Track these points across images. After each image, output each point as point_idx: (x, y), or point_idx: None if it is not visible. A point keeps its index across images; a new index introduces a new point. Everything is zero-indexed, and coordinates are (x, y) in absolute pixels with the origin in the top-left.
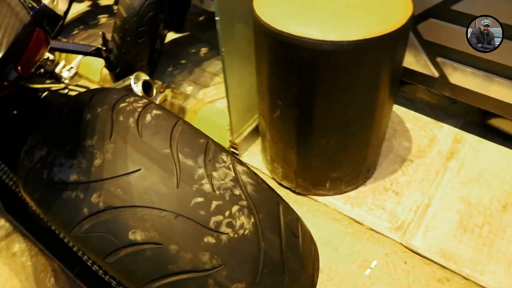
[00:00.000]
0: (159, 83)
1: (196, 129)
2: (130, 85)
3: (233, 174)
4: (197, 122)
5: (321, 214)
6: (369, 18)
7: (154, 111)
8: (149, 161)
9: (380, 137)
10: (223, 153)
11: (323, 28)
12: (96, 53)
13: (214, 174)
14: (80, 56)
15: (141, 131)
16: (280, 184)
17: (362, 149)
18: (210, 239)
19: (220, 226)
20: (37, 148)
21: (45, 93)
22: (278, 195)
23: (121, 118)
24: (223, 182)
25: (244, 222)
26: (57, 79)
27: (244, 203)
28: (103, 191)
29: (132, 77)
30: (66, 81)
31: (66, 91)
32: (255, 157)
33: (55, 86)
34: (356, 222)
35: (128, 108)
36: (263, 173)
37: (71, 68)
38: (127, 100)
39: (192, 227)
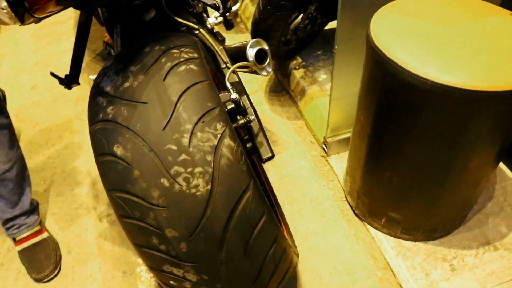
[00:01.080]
0: (299, 60)
1: (215, 94)
2: (246, 46)
3: (215, 143)
4: (309, 108)
5: (363, 244)
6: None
7: (191, 66)
8: (157, 101)
9: (466, 201)
10: (220, 123)
11: (456, 70)
12: (214, 6)
13: (198, 134)
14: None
15: (167, 76)
16: (346, 197)
17: (434, 205)
18: (165, 182)
19: (177, 176)
20: (109, 60)
21: (183, 28)
22: (256, 184)
23: (163, 60)
24: (201, 144)
25: (200, 185)
26: (202, 21)
27: (209, 170)
28: (116, 107)
29: (251, 41)
30: (208, 25)
31: (197, 32)
32: (340, 163)
33: (191, 25)
34: (391, 270)
35: (175, 54)
36: (339, 181)
37: (218, 16)
38: (181, 49)
39: (156, 165)
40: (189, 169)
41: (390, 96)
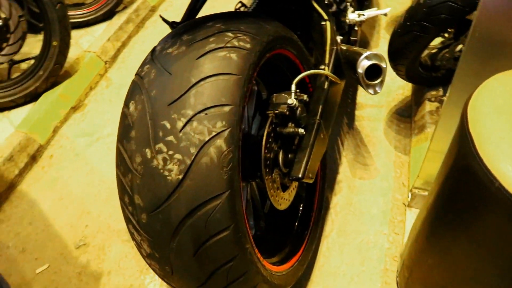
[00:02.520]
0: (440, 92)
1: (236, 92)
2: (361, 55)
3: (205, 138)
4: (418, 147)
5: None
6: None
7: (232, 55)
8: (179, 76)
9: None
10: (222, 122)
11: None
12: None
13: (194, 123)
14: (375, 11)
15: (203, 56)
16: (399, 259)
17: None
18: (148, 153)
19: (159, 153)
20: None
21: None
22: (232, 196)
23: (211, 39)
24: (191, 134)
25: (173, 171)
26: (340, 15)
27: (187, 161)
28: (151, 67)
29: (370, 52)
30: (347, 21)
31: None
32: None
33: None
34: None
35: (226, 38)
36: (403, 239)
37: (362, 15)
38: (238, 35)
39: (148, 134)
40: (170, 152)
41: (475, 205)
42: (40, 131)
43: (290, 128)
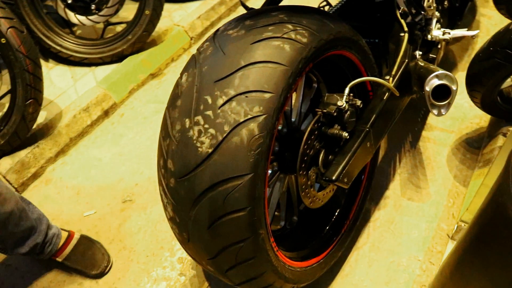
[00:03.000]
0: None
1: (280, 82)
2: (431, 73)
3: (240, 120)
4: (477, 181)
5: None
6: None
7: (285, 46)
8: (231, 57)
9: None
10: (260, 108)
11: None
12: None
13: (233, 103)
14: (462, 32)
15: (258, 42)
16: None
17: None
18: (186, 122)
19: (196, 125)
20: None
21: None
22: (254, 180)
23: (270, 28)
24: (228, 113)
25: (205, 144)
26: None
27: (219, 137)
28: (209, 45)
29: (441, 71)
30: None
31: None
32: None
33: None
34: None
35: (284, 29)
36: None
37: (447, 33)
38: (298, 28)
39: (189, 105)
40: (206, 126)
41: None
42: (117, 90)
43: (335, 130)
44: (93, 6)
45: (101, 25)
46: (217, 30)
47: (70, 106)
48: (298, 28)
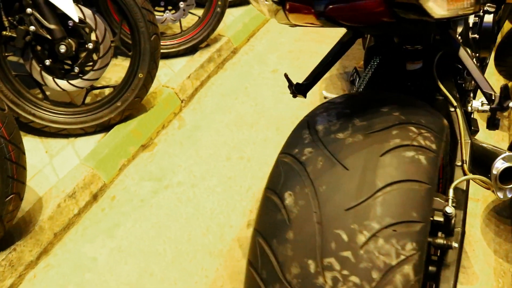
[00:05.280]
0: None
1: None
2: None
3: (392, 263)
4: None
5: None
6: None
7: (421, 157)
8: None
9: None
10: (413, 244)
11: None
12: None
13: (380, 240)
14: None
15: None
16: None
17: None
18: (311, 265)
19: (327, 269)
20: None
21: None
22: None
23: (394, 132)
24: (375, 254)
25: None
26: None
27: None
28: (315, 153)
29: (508, 153)
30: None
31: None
32: None
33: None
34: None
35: (410, 133)
36: None
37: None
38: (422, 131)
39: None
40: (345, 272)
41: None
42: (107, 168)
43: (441, 240)
44: (76, 69)
45: (82, 90)
46: (314, 128)
47: (51, 192)
48: (423, 131)
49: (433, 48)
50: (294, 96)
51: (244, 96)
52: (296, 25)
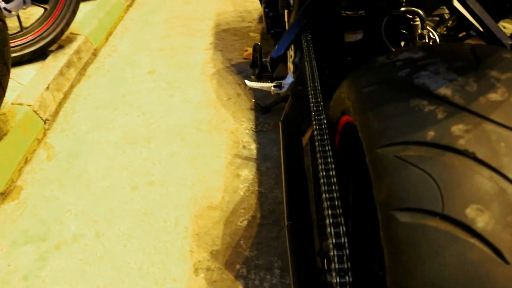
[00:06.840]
0: None
1: None
2: None
3: None
4: None
5: None
6: None
7: None
8: None
9: None
10: None
11: None
12: None
13: None
14: None
15: None
16: None
17: None
18: None
19: None
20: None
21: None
22: None
23: None
24: None
25: None
26: None
27: None
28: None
29: None
30: None
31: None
32: None
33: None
34: None
35: None
36: None
37: None
38: None
39: None
40: None
41: None
42: None
43: None
44: None
45: None
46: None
47: None
48: None
49: (378, 12)
50: (260, 77)
51: (125, 106)
52: None
